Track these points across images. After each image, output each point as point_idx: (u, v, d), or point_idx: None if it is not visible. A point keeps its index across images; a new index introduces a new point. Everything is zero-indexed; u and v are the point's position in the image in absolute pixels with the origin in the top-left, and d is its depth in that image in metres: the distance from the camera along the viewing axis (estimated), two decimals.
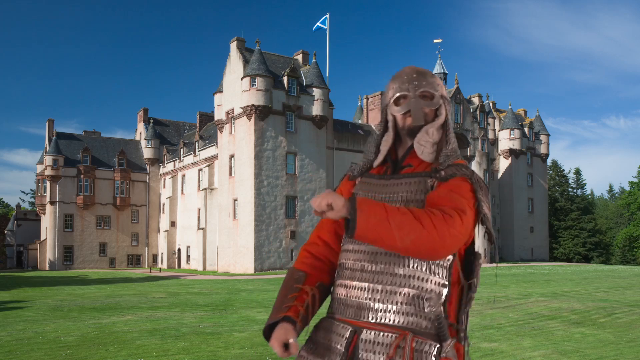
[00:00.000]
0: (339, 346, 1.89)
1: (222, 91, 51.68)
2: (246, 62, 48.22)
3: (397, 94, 2.06)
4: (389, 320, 1.84)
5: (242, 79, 47.32)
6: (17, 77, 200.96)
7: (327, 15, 53.58)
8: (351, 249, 1.99)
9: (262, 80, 46.43)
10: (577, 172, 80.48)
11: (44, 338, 10.37)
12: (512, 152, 68.08)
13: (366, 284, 1.91)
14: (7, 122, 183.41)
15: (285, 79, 48.68)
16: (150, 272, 51.57)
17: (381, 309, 1.85)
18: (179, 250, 62.87)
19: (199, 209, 56.94)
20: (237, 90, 48.51)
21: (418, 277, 1.84)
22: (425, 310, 1.82)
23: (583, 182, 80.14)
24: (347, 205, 1.67)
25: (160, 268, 59.55)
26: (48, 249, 63.21)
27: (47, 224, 63.85)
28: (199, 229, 56.33)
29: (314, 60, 51.56)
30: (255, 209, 45.59)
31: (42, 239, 66.41)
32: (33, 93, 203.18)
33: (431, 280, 1.84)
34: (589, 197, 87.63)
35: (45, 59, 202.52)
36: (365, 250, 1.93)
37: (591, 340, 9.47)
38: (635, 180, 68.15)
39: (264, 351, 8.54)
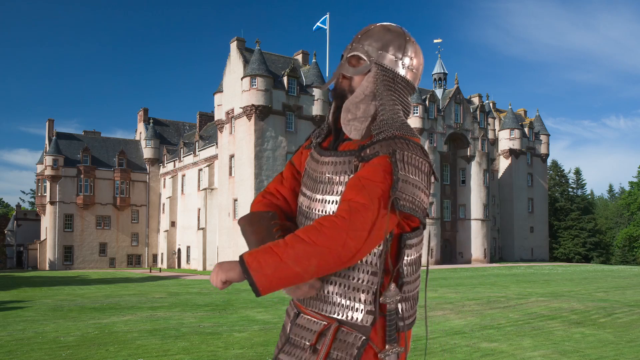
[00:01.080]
0: (287, 328, 1.90)
1: (222, 91, 51.68)
2: (246, 62, 48.22)
3: (342, 54, 1.92)
4: (321, 310, 1.77)
5: (242, 79, 47.31)
6: (17, 77, 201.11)
7: (327, 15, 53.60)
8: (294, 229, 1.92)
9: (262, 80, 46.43)
10: (577, 172, 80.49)
11: (44, 338, 10.37)
12: (512, 152, 68.08)
13: None
14: (7, 122, 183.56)
15: (285, 79, 48.68)
16: (150, 272, 51.56)
17: (318, 297, 1.78)
18: (179, 250, 62.85)
19: (199, 209, 56.94)
20: (237, 90, 48.51)
21: (349, 267, 1.72)
22: (355, 300, 1.73)
23: (583, 182, 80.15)
24: (239, 270, 1.59)
25: (160, 268, 59.54)
26: (48, 249, 63.20)
27: (47, 224, 63.84)
28: (199, 229, 56.33)
29: (314, 60, 51.56)
30: None
31: (42, 239, 66.40)
32: (33, 93, 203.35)
33: (361, 269, 1.72)
34: (589, 197, 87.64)
35: (45, 59, 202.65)
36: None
37: (591, 340, 9.47)
38: (635, 180, 68.16)
39: (264, 351, 8.54)
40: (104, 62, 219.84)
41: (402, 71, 1.85)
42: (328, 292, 1.76)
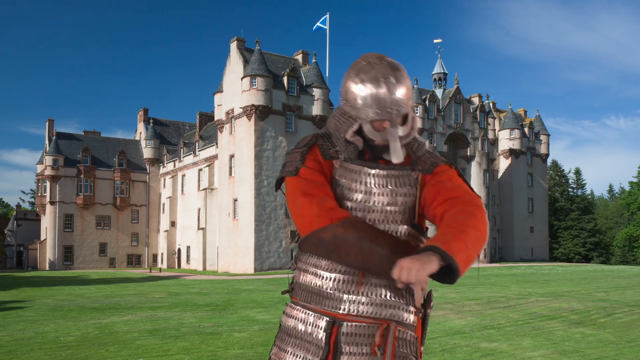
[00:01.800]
0: (319, 337, 1.86)
1: (222, 91, 51.69)
2: (246, 62, 48.22)
3: (376, 119, 1.88)
4: (376, 314, 1.84)
5: (242, 79, 47.31)
6: (17, 77, 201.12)
7: (327, 15, 53.59)
8: None
9: (262, 80, 46.43)
10: (577, 172, 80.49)
11: (44, 338, 10.37)
12: (512, 152, 68.07)
13: (343, 276, 1.87)
14: (7, 122, 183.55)
15: (285, 79, 48.68)
16: (150, 272, 51.57)
17: (364, 302, 1.84)
18: (179, 250, 62.86)
19: (199, 209, 56.94)
20: (237, 90, 48.51)
21: None
22: (407, 302, 1.86)
23: (583, 182, 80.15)
24: (438, 260, 1.63)
25: (160, 268, 59.55)
26: (48, 249, 63.20)
27: (47, 224, 63.85)
28: (199, 229, 56.33)
29: (314, 60, 51.56)
30: (255, 209, 45.58)
31: (42, 239, 66.41)
32: (33, 93, 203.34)
33: None
34: (589, 197, 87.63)
35: (45, 59, 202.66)
36: None
37: (591, 340, 9.47)
38: (635, 180, 68.16)
39: (264, 351, 8.54)
40: (104, 62, 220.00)
41: None
42: (387, 297, 1.85)
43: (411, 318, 1.86)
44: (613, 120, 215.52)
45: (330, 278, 1.89)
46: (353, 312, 1.85)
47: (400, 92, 1.87)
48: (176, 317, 13.64)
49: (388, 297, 1.84)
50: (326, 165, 1.98)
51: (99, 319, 13.51)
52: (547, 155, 73.53)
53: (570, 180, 79.74)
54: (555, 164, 79.80)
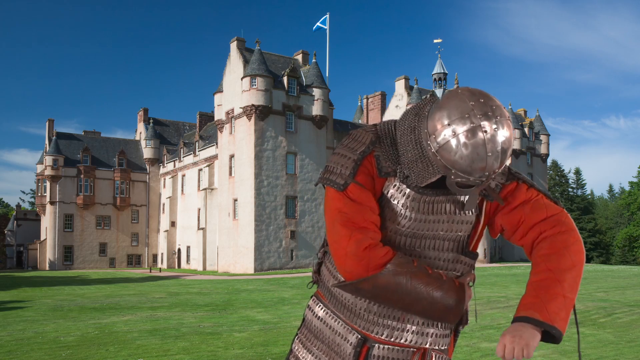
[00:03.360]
0: (347, 352, 1.78)
1: (222, 91, 51.69)
2: (246, 62, 48.23)
3: (464, 178, 1.60)
4: (405, 340, 1.77)
5: (242, 79, 47.32)
6: (17, 77, 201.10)
7: (327, 15, 53.58)
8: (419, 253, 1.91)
9: (262, 80, 46.43)
10: (577, 172, 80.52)
11: (44, 338, 10.37)
12: (512, 152, 68.06)
13: (379, 305, 1.77)
14: (7, 122, 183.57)
15: (285, 79, 48.69)
16: (150, 272, 51.57)
17: (397, 328, 1.76)
18: (179, 250, 62.86)
19: (199, 209, 56.95)
20: (237, 90, 48.52)
21: None
22: (441, 328, 1.81)
23: (583, 182, 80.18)
24: (539, 332, 1.58)
25: (160, 268, 59.55)
26: (48, 249, 63.20)
27: (47, 224, 63.85)
28: (199, 229, 56.34)
29: (314, 60, 51.56)
30: (255, 209, 45.58)
31: (42, 239, 66.41)
32: (33, 93, 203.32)
33: None
34: (589, 197, 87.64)
35: (45, 59, 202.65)
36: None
37: (591, 340, 9.46)
38: (635, 180, 68.16)
39: (264, 351, 8.54)
40: (104, 62, 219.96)
41: None
42: (428, 326, 1.79)
43: (447, 342, 1.82)
44: (613, 120, 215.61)
45: (365, 300, 1.77)
46: (388, 337, 1.77)
47: (504, 157, 1.60)
48: (176, 317, 13.64)
49: (431, 326, 1.78)
50: (379, 182, 1.77)
51: (99, 319, 13.51)
52: (547, 155, 73.55)
53: (570, 180, 79.79)
54: (555, 164, 79.84)
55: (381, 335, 1.77)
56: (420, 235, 1.78)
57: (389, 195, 1.76)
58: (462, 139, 1.53)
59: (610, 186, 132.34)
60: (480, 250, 60.16)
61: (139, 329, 11.47)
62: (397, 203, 1.75)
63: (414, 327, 1.77)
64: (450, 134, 1.54)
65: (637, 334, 10.17)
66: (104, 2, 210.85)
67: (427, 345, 1.78)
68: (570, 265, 1.63)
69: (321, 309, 1.89)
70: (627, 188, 71.70)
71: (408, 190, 1.74)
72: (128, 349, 8.98)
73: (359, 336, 1.78)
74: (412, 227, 1.77)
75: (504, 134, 1.57)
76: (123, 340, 9.93)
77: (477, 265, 55.08)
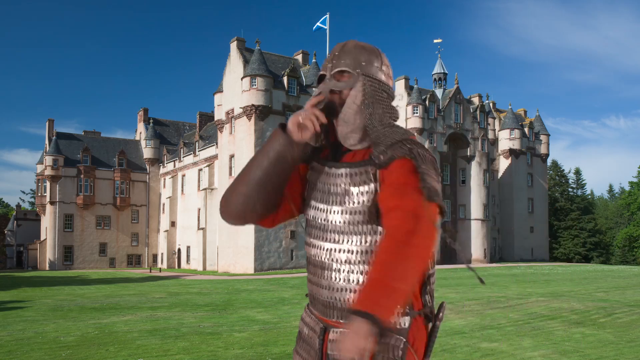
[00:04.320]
0: (316, 343, 1.87)
1: (222, 91, 51.69)
2: (246, 62, 48.22)
3: (320, 73, 1.97)
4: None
5: (242, 79, 47.31)
6: (17, 77, 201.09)
7: (327, 15, 53.55)
8: (310, 242, 1.94)
9: (262, 80, 46.43)
10: (577, 172, 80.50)
11: (44, 338, 10.37)
12: (512, 152, 68.08)
13: (329, 282, 1.84)
14: (7, 122, 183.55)
15: (285, 79, 48.69)
16: (150, 272, 51.56)
17: (344, 308, 1.79)
18: (179, 250, 62.85)
19: (199, 209, 56.94)
20: (237, 90, 48.51)
21: None
22: None
23: (583, 182, 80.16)
24: (368, 327, 1.49)
25: (160, 268, 59.54)
26: (48, 249, 63.19)
27: (47, 224, 63.84)
28: (199, 229, 56.33)
29: (314, 60, 51.56)
30: None
31: (42, 239, 66.40)
32: (33, 93, 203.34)
33: None
34: (589, 197, 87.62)
35: (45, 59, 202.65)
36: (323, 247, 1.87)
37: (591, 340, 9.47)
38: (635, 180, 68.17)
39: (264, 351, 8.54)
40: (104, 62, 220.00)
41: (384, 79, 1.94)
42: None
43: (400, 321, 1.76)
44: (613, 120, 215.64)
45: (320, 285, 1.87)
46: (338, 317, 1.82)
47: (343, 54, 1.91)
48: (176, 317, 13.64)
49: None
50: (302, 168, 2.01)
51: (99, 319, 13.51)
52: (547, 155, 73.52)
53: (570, 180, 79.77)
54: (555, 164, 79.82)
55: (334, 318, 1.82)
56: (327, 210, 1.91)
57: (308, 176, 2.02)
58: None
59: (610, 186, 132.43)
60: (480, 250, 60.13)
61: (139, 329, 11.47)
62: (311, 181, 1.99)
63: (350, 303, 1.78)
64: None
65: (637, 334, 10.18)
66: (104, 3, 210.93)
67: None
68: (405, 255, 1.57)
69: (305, 311, 2.00)
70: (627, 188, 71.71)
71: (315, 165, 1.97)
72: (128, 349, 8.98)
73: (322, 325, 1.86)
74: (319, 201, 1.94)
75: (352, 45, 1.93)
76: (123, 340, 9.93)
77: (478, 265, 55.01)
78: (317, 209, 1.91)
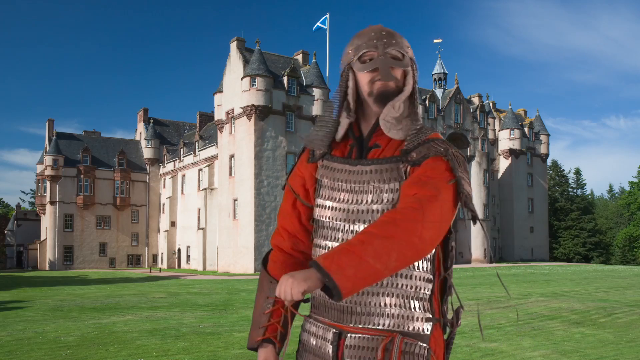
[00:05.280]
0: (328, 351, 1.77)
1: (222, 91, 51.70)
2: (246, 62, 48.23)
3: (364, 50, 1.77)
4: (374, 324, 1.71)
5: (242, 79, 47.32)
6: (17, 77, 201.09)
7: (327, 15, 53.60)
8: (320, 243, 1.84)
9: (262, 80, 46.44)
10: (577, 172, 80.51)
11: (44, 338, 10.37)
12: (512, 152, 68.09)
13: None
14: (7, 122, 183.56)
15: (285, 79, 48.70)
16: (150, 272, 51.56)
17: (365, 312, 1.71)
18: (179, 250, 62.87)
19: (199, 209, 56.95)
20: (237, 90, 48.52)
21: (401, 275, 1.70)
22: (412, 310, 1.70)
23: (583, 182, 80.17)
24: (318, 276, 1.45)
25: (160, 268, 59.55)
26: (48, 249, 63.20)
27: (47, 224, 63.85)
28: (199, 229, 56.34)
29: (314, 60, 51.57)
30: (255, 209, 45.59)
31: (42, 239, 66.41)
32: (33, 93, 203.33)
33: (415, 277, 1.70)
34: (589, 197, 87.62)
35: (45, 59, 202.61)
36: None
37: (591, 340, 9.47)
38: (635, 180, 68.19)
39: None
40: (104, 62, 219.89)
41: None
42: (383, 305, 1.71)
43: (422, 327, 1.70)
44: (613, 120, 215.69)
45: None
46: (356, 323, 1.73)
47: (390, 36, 1.79)
48: (176, 317, 13.64)
49: (389, 305, 1.70)
50: (310, 168, 1.91)
51: (99, 319, 13.51)
52: (547, 155, 73.54)
53: (570, 180, 79.78)
54: (555, 164, 79.83)
55: (350, 323, 1.74)
56: (353, 210, 1.82)
57: (319, 175, 1.90)
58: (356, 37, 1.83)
59: (610, 186, 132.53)
60: (480, 250, 60.16)
61: (139, 329, 11.47)
62: (327, 180, 1.89)
63: (373, 308, 1.71)
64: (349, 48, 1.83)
65: (637, 334, 10.18)
66: (104, 2, 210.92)
67: (393, 327, 1.69)
68: (388, 235, 1.49)
69: (307, 321, 1.91)
70: (627, 188, 71.73)
71: (334, 164, 1.88)
72: (128, 349, 8.98)
73: (335, 330, 1.77)
74: (345, 200, 1.84)
75: (394, 32, 1.82)
76: (123, 340, 9.93)
77: (478, 265, 55.03)
78: (336, 210, 1.80)
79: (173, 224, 64.24)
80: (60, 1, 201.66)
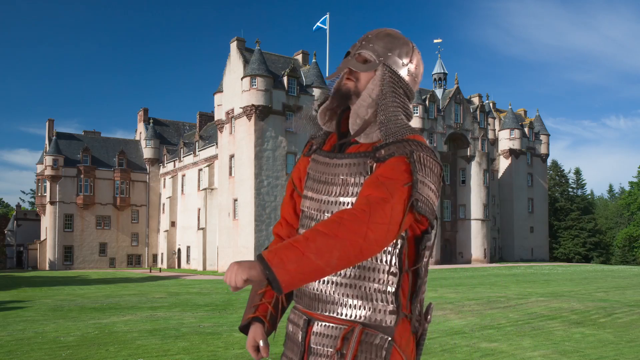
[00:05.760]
0: (299, 338, 1.83)
1: (222, 91, 51.70)
2: (246, 62, 48.23)
3: (348, 49, 1.91)
4: (339, 314, 1.74)
5: (242, 79, 47.32)
6: (17, 77, 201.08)
7: (327, 15, 53.60)
8: (300, 232, 1.89)
9: (262, 80, 46.44)
10: (577, 172, 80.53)
11: (44, 338, 10.37)
12: (512, 152, 68.09)
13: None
14: (7, 122, 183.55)
15: (285, 79, 48.70)
16: (150, 272, 51.57)
17: (330, 301, 1.75)
18: (179, 250, 62.87)
19: (199, 209, 56.96)
20: (237, 90, 48.52)
21: (365, 267, 1.72)
22: (375, 302, 1.71)
23: (583, 182, 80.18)
24: (259, 268, 1.50)
25: (160, 268, 59.55)
26: (48, 249, 63.20)
27: (47, 224, 63.85)
28: (199, 229, 56.34)
29: (314, 60, 51.58)
30: (255, 209, 45.58)
31: (42, 239, 66.40)
32: (33, 93, 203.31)
33: (379, 269, 1.72)
34: (589, 197, 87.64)
35: (45, 59, 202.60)
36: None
37: (591, 340, 9.47)
38: (635, 180, 68.18)
39: None
40: (104, 62, 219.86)
41: (405, 76, 1.87)
42: (347, 296, 1.74)
43: (385, 319, 1.71)
44: (613, 120, 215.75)
45: None
46: (322, 311, 1.77)
47: (375, 39, 1.86)
48: (176, 317, 13.64)
49: (352, 297, 1.73)
50: (304, 161, 2.04)
51: (99, 319, 13.51)
52: (547, 155, 73.55)
53: (570, 180, 79.79)
54: (555, 164, 79.83)
55: (320, 311, 1.78)
56: (321, 200, 1.90)
57: (308, 168, 1.99)
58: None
59: (610, 186, 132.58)
60: (480, 250, 60.13)
61: (139, 329, 11.47)
62: (312, 172, 1.97)
63: (337, 297, 1.75)
64: None
65: (637, 334, 10.18)
66: (104, 2, 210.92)
67: (356, 318, 1.72)
68: (332, 233, 1.53)
69: (291, 312, 1.96)
70: (627, 188, 71.73)
71: (317, 157, 1.98)
72: (128, 349, 8.98)
73: (305, 317, 1.82)
74: (314, 192, 1.94)
75: (383, 33, 1.88)
76: (123, 340, 9.93)
77: (478, 265, 55.03)
78: (313, 200, 1.88)
79: (173, 224, 64.24)
80: (60, 1, 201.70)
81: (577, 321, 11.86)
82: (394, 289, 1.73)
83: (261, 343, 1.83)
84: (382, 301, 1.72)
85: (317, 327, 1.79)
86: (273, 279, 1.48)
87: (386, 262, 1.73)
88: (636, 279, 28.83)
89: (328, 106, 1.92)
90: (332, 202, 1.82)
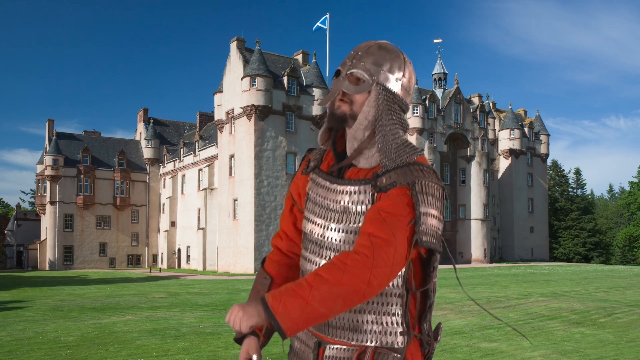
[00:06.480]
0: (310, 357, 1.84)
1: (222, 91, 51.69)
2: (246, 62, 48.23)
3: (339, 67, 1.85)
4: (350, 339, 1.76)
5: (242, 79, 47.32)
6: (17, 77, 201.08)
7: (327, 15, 53.61)
8: (304, 255, 1.90)
9: (262, 80, 46.44)
10: (577, 172, 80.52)
11: (44, 338, 10.37)
12: (512, 152, 68.09)
13: None
14: (7, 122, 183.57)
15: (285, 79, 48.69)
16: (150, 272, 51.56)
17: (341, 327, 1.76)
18: (179, 250, 62.87)
19: (199, 209, 56.95)
20: (237, 90, 48.52)
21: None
22: (385, 325, 1.74)
23: (583, 182, 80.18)
24: (264, 316, 1.55)
25: (160, 268, 59.54)
26: (48, 249, 63.20)
27: (47, 224, 63.84)
28: (199, 229, 56.34)
29: (314, 60, 51.57)
30: (255, 209, 45.58)
31: (42, 239, 66.40)
32: (33, 93, 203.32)
33: (386, 293, 1.73)
34: (589, 197, 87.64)
35: (45, 59, 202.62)
36: (319, 263, 1.82)
37: (591, 340, 9.47)
38: (635, 180, 68.18)
39: (264, 351, 8.53)
40: (104, 62, 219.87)
41: (399, 91, 1.83)
42: (359, 322, 1.75)
43: (396, 341, 1.74)
44: (613, 120, 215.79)
45: None
46: (332, 335, 1.79)
47: (366, 55, 1.80)
48: (176, 317, 13.64)
49: (364, 322, 1.75)
50: (303, 179, 1.98)
51: (99, 319, 13.51)
52: (547, 155, 73.55)
53: (570, 180, 79.80)
54: (555, 164, 79.84)
55: (329, 335, 1.79)
56: (324, 226, 1.89)
57: (308, 188, 1.96)
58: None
59: (610, 186, 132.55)
60: (480, 250, 60.12)
61: (139, 329, 11.47)
62: (312, 194, 1.93)
63: (347, 322, 1.76)
64: None
65: (637, 334, 10.18)
66: (104, 2, 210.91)
67: (368, 343, 1.74)
68: (335, 281, 1.56)
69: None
70: (627, 188, 71.72)
71: (318, 179, 1.93)
72: (128, 349, 8.98)
73: (316, 339, 1.83)
74: (316, 216, 1.92)
75: (374, 47, 1.84)
76: (123, 340, 9.93)
77: (478, 265, 55.03)
78: (315, 224, 1.86)
79: (173, 224, 64.24)
80: (60, 1, 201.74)
81: (577, 321, 11.86)
82: (401, 311, 1.75)
83: (254, 357, 1.82)
84: (391, 324, 1.75)
85: (329, 351, 1.80)
86: (278, 328, 1.55)
87: (395, 285, 1.74)
88: (636, 279, 28.83)
89: (326, 128, 1.89)
90: (334, 229, 1.81)
